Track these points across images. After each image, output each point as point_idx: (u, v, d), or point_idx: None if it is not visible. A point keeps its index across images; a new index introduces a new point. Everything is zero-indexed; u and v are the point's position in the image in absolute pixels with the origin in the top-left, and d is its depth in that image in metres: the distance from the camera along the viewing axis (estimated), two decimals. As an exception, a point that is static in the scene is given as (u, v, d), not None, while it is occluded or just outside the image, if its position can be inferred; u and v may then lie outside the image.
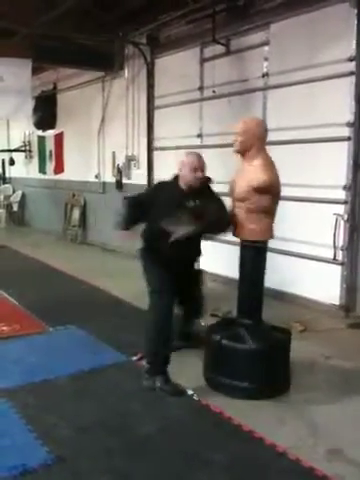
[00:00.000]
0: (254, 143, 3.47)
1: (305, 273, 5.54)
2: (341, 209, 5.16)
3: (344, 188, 5.12)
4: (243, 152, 3.54)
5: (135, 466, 2.71)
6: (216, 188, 6.86)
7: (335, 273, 5.29)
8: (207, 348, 3.77)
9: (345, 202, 5.14)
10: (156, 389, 3.55)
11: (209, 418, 3.23)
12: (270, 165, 3.48)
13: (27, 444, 2.89)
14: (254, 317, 3.65)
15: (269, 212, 3.52)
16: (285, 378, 3.67)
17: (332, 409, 3.39)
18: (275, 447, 2.86)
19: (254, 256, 3.61)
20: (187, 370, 3.87)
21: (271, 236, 3.62)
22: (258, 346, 3.51)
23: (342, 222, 5.15)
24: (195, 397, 3.47)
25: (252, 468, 2.71)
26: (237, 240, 6.47)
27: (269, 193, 3.42)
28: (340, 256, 5.23)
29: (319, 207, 5.31)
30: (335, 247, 5.17)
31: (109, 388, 3.63)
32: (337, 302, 5.28)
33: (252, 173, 3.43)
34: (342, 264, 5.24)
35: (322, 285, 5.41)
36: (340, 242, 5.20)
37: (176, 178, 3.80)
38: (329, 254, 5.23)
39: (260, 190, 3.38)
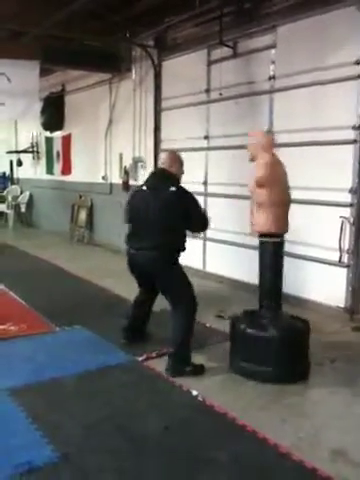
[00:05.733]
0: (259, 151, 3.90)
1: (311, 275, 5.55)
2: (347, 212, 5.16)
3: (350, 191, 5.12)
4: (253, 159, 3.97)
5: (140, 465, 2.74)
6: (223, 189, 6.93)
7: (341, 276, 5.29)
8: (233, 338, 4.00)
9: (351, 205, 5.14)
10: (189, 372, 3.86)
11: (213, 418, 3.26)
12: (270, 163, 3.84)
13: (33, 442, 2.92)
14: (274, 307, 3.94)
15: (273, 205, 3.81)
16: (306, 364, 3.93)
17: (336, 411, 3.40)
18: (278, 447, 2.88)
19: (270, 249, 3.91)
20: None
21: (282, 228, 3.89)
22: (282, 334, 3.79)
23: (348, 225, 5.16)
24: (200, 397, 3.49)
25: (255, 468, 2.72)
26: (242, 242, 6.49)
27: (267, 186, 3.77)
28: (346, 259, 5.23)
29: (325, 210, 5.32)
30: (341, 250, 5.17)
31: (115, 388, 3.66)
32: (342, 305, 5.28)
33: (255, 172, 3.88)
34: (348, 267, 5.24)
35: (327, 288, 5.42)
36: (346, 245, 5.20)
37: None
38: (335, 257, 5.23)
39: (259, 184, 3.80)
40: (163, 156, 4.33)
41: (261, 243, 3.96)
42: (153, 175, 4.29)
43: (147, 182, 4.18)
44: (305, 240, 5.52)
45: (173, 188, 3.95)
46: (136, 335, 4.43)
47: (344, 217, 5.14)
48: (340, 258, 5.20)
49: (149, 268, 4.00)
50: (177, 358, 3.88)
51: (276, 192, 3.81)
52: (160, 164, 4.25)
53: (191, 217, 4.00)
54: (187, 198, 4.00)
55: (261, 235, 3.93)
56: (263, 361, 3.77)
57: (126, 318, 4.46)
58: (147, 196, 4.06)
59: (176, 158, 4.20)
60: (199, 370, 3.90)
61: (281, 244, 3.94)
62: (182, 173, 4.21)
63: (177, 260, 4.05)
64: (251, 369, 3.79)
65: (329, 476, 2.63)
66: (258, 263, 4.01)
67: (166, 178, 4.07)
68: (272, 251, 3.91)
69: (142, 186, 4.19)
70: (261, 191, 3.80)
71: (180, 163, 4.20)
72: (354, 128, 5.03)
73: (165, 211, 3.93)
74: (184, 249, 4.08)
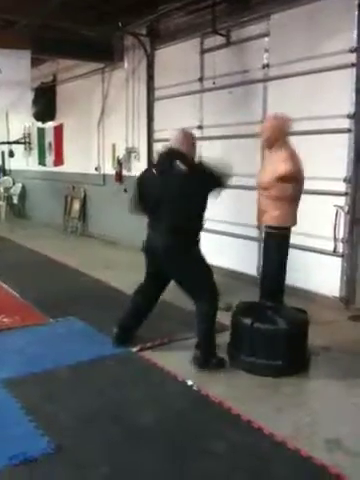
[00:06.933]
0: (279, 137, 3.72)
1: (305, 265, 5.53)
2: (342, 201, 5.15)
3: (344, 180, 5.11)
4: (270, 146, 3.78)
5: (135, 455, 2.73)
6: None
7: (335, 265, 5.29)
8: (237, 332, 3.90)
9: (345, 194, 5.13)
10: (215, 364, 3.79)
11: (208, 408, 3.25)
12: (294, 156, 3.71)
13: (27, 434, 2.91)
14: (277, 300, 3.88)
15: (292, 200, 3.75)
16: (308, 354, 3.93)
17: (331, 400, 3.41)
18: (274, 436, 2.88)
19: (278, 242, 3.83)
20: (185, 361, 3.88)
21: (294, 223, 3.83)
22: (288, 326, 3.74)
23: (342, 214, 5.15)
24: (195, 388, 3.48)
25: (251, 458, 2.72)
26: (235, 232, 6.45)
27: (292, 182, 3.66)
28: (340, 248, 5.23)
29: (319, 199, 5.29)
30: (335, 239, 5.17)
31: (109, 378, 3.65)
32: (337, 294, 5.28)
33: (278, 163, 3.68)
34: (342, 256, 5.24)
35: (322, 277, 5.41)
36: (340, 234, 5.19)
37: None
38: (329, 246, 5.23)
39: (284, 179, 3.63)
40: (173, 135, 3.97)
41: (268, 234, 3.86)
42: (161, 155, 3.98)
43: (156, 163, 3.99)
44: (299, 229, 5.47)
45: (181, 168, 3.71)
46: (126, 337, 4.16)
47: (338, 206, 5.13)
48: (335, 247, 5.20)
49: (164, 254, 3.77)
50: (203, 350, 3.80)
51: (297, 187, 3.73)
52: (170, 143, 3.93)
53: (216, 177, 3.75)
54: (198, 175, 3.75)
55: (272, 227, 3.80)
56: (273, 355, 3.69)
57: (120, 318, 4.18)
58: (156, 178, 3.87)
59: (185, 137, 3.90)
60: (223, 363, 3.82)
61: (288, 236, 3.87)
62: (194, 154, 3.92)
63: (197, 243, 3.87)
64: (259, 364, 3.71)
65: (324, 464, 2.63)
66: (263, 255, 3.94)
67: (173, 158, 3.79)
68: (281, 244, 3.84)
69: (151, 167, 4.02)
70: (284, 185, 3.65)
71: (190, 143, 3.90)
72: (348, 117, 5.01)
73: (175, 193, 3.74)
74: (201, 229, 3.90)
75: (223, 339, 4.01)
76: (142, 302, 4.15)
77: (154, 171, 3.95)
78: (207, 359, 3.79)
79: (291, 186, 3.67)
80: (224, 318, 4.20)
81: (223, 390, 3.47)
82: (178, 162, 3.74)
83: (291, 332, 3.74)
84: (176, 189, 3.74)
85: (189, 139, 3.92)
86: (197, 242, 3.90)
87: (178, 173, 3.73)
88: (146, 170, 4.10)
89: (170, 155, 3.86)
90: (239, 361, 3.82)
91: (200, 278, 3.85)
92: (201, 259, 3.88)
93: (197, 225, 3.87)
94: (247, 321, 3.78)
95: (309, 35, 5.34)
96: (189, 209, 3.76)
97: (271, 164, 3.74)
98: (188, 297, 3.92)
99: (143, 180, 4.02)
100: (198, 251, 3.90)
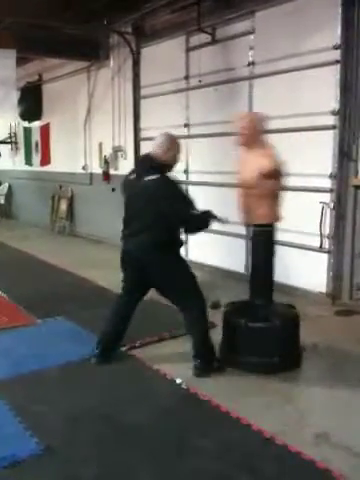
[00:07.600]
0: (257, 135, 3.75)
1: (292, 261, 5.57)
2: (327, 197, 5.19)
3: (330, 176, 5.14)
4: (247, 144, 3.78)
5: (125, 454, 2.72)
6: (204, 177, 6.89)
7: (322, 261, 5.32)
8: (229, 331, 3.90)
9: (331, 190, 5.17)
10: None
11: (197, 406, 3.26)
12: (272, 152, 3.75)
13: (16, 435, 2.89)
14: (267, 298, 3.90)
15: (275, 196, 3.76)
16: (299, 351, 3.95)
17: (319, 395, 3.43)
18: (262, 433, 2.89)
19: (266, 239, 3.85)
20: (173, 360, 3.90)
21: (279, 219, 3.84)
22: (282, 323, 3.75)
23: (328, 210, 5.18)
24: (184, 386, 3.49)
25: (239, 454, 2.73)
26: (225, 230, 6.45)
27: (275, 178, 3.68)
28: (326, 244, 5.26)
29: (305, 196, 5.33)
30: (321, 235, 5.20)
31: (98, 378, 3.64)
32: (324, 290, 5.32)
33: (258, 160, 3.67)
34: (329, 252, 5.27)
35: (309, 273, 5.45)
36: (326, 230, 5.23)
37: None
38: (316, 242, 5.26)
39: (268, 175, 3.63)
40: (158, 140, 3.71)
41: (255, 233, 3.87)
42: (139, 160, 3.93)
43: (135, 168, 3.91)
44: (285, 226, 5.50)
45: (153, 176, 3.54)
46: (107, 353, 3.90)
47: (324, 202, 5.17)
48: (321, 244, 5.23)
49: (141, 263, 3.61)
50: (203, 358, 3.71)
51: (280, 182, 3.75)
52: (153, 147, 3.73)
53: (170, 213, 3.54)
54: (166, 189, 3.57)
55: (258, 225, 3.81)
56: (266, 353, 3.70)
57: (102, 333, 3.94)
58: (132, 183, 3.72)
59: (172, 144, 3.69)
60: (223, 366, 3.75)
61: (273, 233, 3.88)
62: (176, 161, 3.74)
63: (173, 251, 3.70)
64: (252, 362, 3.70)
65: (312, 459, 2.65)
66: (252, 253, 3.95)
67: (150, 165, 3.65)
68: (268, 240, 3.84)
69: (131, 172, 3.86)
70: (269, 182, 3.65)
71: (176, 150, 3.71)
72: (333, 113, 5.04)
73: (145, 202, 3.58)
74: (179, 243, 3.72)
75: (213, 337, 4.00)
76: (124, 314, 3.93)
77: (133, 175, 3.79)
78: (207, 367, 3.70)
79: (273, 182, 3.69)
80: (213, 316, 4.20)
81: (212, 388, 3.48)
82: (152, 169, 3.59)
83: (284, 329, 3.76)
84: (145, 198, 3.58)
85: (174, 147, 3.71)
86: (173, 250, 3.71)
87: (148, 181, 3.57)
88: (129, 173, 3.89)
89: (145, 161, 3.82)
90: (231, 360, 3.80)
91: (183, 285, 3.72)
92: (182, 265, 3.74)
93: (169, 236, 3.64)
94: (240, 320, 3.77)
95: (293, 32, 5.37)
96: (156, 220, 3.57)
97: (253, 162, 3.69)
98: (175, 305, 3.84)
99: (125, 183, 3.88)
100: (176, 258, 3.74)
